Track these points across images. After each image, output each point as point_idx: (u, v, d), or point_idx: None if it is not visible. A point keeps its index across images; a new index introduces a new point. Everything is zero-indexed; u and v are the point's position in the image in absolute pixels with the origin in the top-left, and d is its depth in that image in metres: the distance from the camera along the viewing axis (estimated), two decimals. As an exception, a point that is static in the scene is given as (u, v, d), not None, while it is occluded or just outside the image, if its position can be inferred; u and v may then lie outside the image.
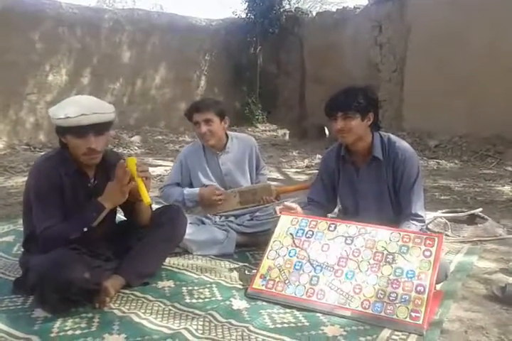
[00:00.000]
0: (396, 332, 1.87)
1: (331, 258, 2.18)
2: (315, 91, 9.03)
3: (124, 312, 2.01)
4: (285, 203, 2.48)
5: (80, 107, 2.01)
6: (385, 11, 7.61)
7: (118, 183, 2.09)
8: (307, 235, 2.29)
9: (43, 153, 2.48)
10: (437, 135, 7.08)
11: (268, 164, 6.02)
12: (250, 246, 2.86)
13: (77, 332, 1.85)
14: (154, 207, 2.50)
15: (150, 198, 2.14)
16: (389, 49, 7.66)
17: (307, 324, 1.93)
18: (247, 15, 9.94)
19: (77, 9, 7.84)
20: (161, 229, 2.33)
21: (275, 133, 9.74)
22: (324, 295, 2.06)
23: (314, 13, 10.11)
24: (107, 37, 8.26)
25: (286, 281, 2.16)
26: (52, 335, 1.83)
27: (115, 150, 6.39)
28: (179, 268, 2.53)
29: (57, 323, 1.91)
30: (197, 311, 2.03)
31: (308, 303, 2.06)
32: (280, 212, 2.43)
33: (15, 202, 3.89)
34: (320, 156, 6.49)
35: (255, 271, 2.28)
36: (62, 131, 2.06)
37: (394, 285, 2.02)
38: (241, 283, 2.34)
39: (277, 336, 1.83)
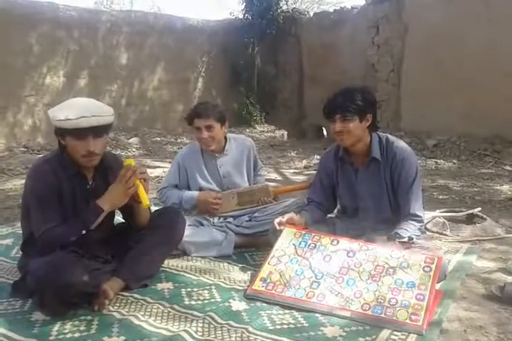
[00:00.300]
0: (395, 333, 1.87)
1: (333, 268, 2.18)
2: (313, 91, 9.03)
3: (123, 315, 2.01)
4: (284, 217, 2.45)
5: (80, 109, 2.01)
6: (382, 11, 7.61)
7: (123, 185, 2.09)
8: (310, 247, 2.30)
9: (41, 156, 2.48)
10: (435, 135, 7.09)
11: (266, 165, 6.04)
12: (249, 247, 2.86)
13: (76, 334, 1.85)
14: (153, 208, 2.49)
15: (149, 200, 2.14)
16: (386, 49, 7.66)
17: (306, 325, 1.93)
18: (244, 16, 9.94)
19: (75, 11, 7.82)
20: (160, 231, 2.33)
21: (273, 134, 9.73)
22: (324, 298, 2.07)
23: (312, 14, 10.10)
24: (105, 38, 8.24)
25: (287, 284, 2.16)
26: (51, 338, 1.83)
27: (113, 152, 6.38)
28: (178, 270, 2.53)
29: (56, 326, 1.91)
30: (196, 313, 2.03)
31: (307, 304, 2.05)
32: (280, 225, 2.41)
33: (13, 205, 3.89)
34: (318, 157, 6.49)
35: (255, 271, 2.28)
36: (62, 132, 2.06)
37: (394, 293, 2.03)
38: (240, 284, 2.34)
39: (277, 337, 1.83)
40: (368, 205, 2.55)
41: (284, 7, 10.16)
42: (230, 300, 2.14)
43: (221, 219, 2.95)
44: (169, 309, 2.07)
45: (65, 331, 1.87)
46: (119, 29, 8.42)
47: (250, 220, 2.94)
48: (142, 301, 2.14)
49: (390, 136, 2.54)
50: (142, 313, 2.02)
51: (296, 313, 2.03)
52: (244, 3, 9.95)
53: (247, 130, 9.58)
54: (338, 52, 8.50)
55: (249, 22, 9.76)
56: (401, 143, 2.50)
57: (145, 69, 8.87)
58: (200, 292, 2.25)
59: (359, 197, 2.57)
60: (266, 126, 10.13)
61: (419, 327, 1.87)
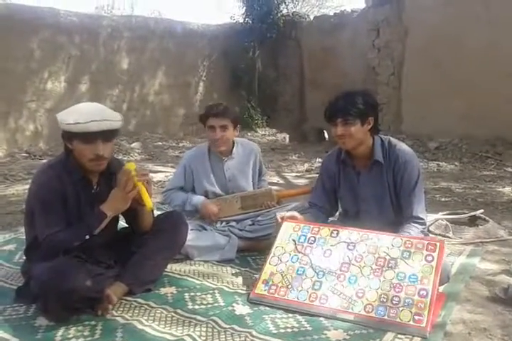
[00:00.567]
0: (399, 335, 1.86)
1: (334, 264, 2.18)
2: (314, 94, 9.05)
3: (126, 320, 2.00)
4: (287, 213, 2.46)
5: (90, 114, 2.02)
6: (382, 14, 7.63)
7: (122, 190, 2.10)
8: (309, 241, 2.29)
9: (45, 161, 2.49)
10: (437, 137, 7.09)
11: (268, 168, 6.03)
12: (252, 251, 2.86)
13: (80, 340, 1.85)
14: (155, 213, 2.50)
15: (152, 203, 2.15)
16: (387, 52, 7.68)
17: (310, 328, 1.93)
18: (244, 20, 9.97)
19: (76, 16, 7.86)
20: (163, 235, 2.33)
21: (275, 138, 9.74)
22: (327, 300, 2.06)
23: (312, 18, 10.13)
24: (106, 44, 8.28)
25: (289, 286, 2.15)
26: (55, 343, 1.83)
27: (115, 157, 6.38)
28: (181, 275, 2.53)
29: (60, 331, 1.91)
30: (199, 317, 2.02)
31: (311, 308, 2.05)
32: (281, 219, 2.42)
33: (16, 211, 3.89)
34: (320, 160, 6.49)
35: (257, 276, 2.28)
36: (70, 136, 2.06)
37: (397, 289, 2.01)
38: (243, 288, 2.34)
39: (280, 341, 1.83)
40: (370, 208, 2.55)
41: (285, 11, 10.20)
42: (234, 304, 2.14)
43: (224, 223, 2.96)
44: (173, 313, 2.06)
45: (69, 336, 1.87)
46: (120, 34, 8.46)
47: (253, 224, 2.94)
48: (146, 306, 2.13)
49: (392, 138, 2.54)
50: (146, 318, 2.02)
51: (299, 317, 2.03)
52: (245, 8, 9.99)
53: (249, 134, 9.60)
54: (338, 56, 8.52)
55: (249, 26, 9.80)
56: (403, 146, 2.50)
57: (146, 73, 8.91)
58: (204, 296, 2.25)
59: (361, 200, 2.57)
60: (267, 129, 10.14)
61: (422, 329, 1.86)
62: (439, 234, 3.20)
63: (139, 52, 8.75)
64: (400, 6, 7.43)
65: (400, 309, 1.95)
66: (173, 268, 2.58)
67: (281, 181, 5.55)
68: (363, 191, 2.54)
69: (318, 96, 8.07)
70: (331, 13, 9.79)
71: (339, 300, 2.05)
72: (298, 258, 2.25)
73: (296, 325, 1.96)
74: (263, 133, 9.93)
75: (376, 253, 2.16)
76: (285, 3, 10.24)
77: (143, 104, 8.94)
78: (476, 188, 4.88)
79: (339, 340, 1.84)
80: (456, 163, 6.37)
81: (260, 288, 2.19)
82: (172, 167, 6.36)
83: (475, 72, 6.54)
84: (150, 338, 1.86)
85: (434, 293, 1.97)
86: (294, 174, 6.10)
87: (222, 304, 2.16)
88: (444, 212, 3.58)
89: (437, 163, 6.44)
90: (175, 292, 2.30)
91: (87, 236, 2.08)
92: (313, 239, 2.30)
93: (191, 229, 2.62)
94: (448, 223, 3.28)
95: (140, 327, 1.94)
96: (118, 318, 2.02)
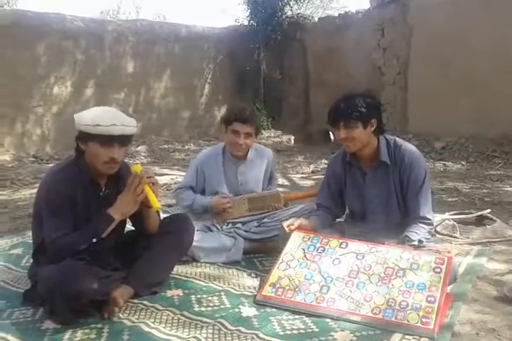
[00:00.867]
0: (407, 336, 1.86)
1: (342, 271, 2.17)
2: (319, 96, 9.03)
3: (133, 322, 2.01)
4: (295, 223, 2.44)
5: (110, 118, 2.05)
6: (387, 14, 7.62)
7: (131, 193, 2.11)
8: (318, 250, 2.29)
9: (53, 164, 2.50)
10: (443, 137, 7.07)
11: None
12: (258, 252, 2.85)
13: (87, 342, 1.86)
14: (162, 216, 2.50)
15: (159, 203, 2.16)
16: (392, 52, 7.66)
17: (317, 330, 1.93)
18: (249, 22, 9.98)
19: (82, 21, 7.90)
20: (169, 237, 2.34)
21: (280, 139, 9.73)
22: (334, 302, 2.05)
23: (316, 19, 10.13)
24: (111, 48, 8.30)
25: (296, 289, 2.15)
26: (62, 346, 1.83)
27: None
28: (187, 277, 2.53)
29: (67, 334, 1.91)
30: (206, 319, 2.02)
31: (317, 309, 2.04)
32: (289, 229, 2.41)
33: (23, 215, 3.91)
34: (326, 161, 6.49)
35: (264, 277, 2.28)
36: (87, 137, 2.07)
37: (405, 295, 2.02)
38: (250, 290, 2.34)
39: (287, 343, 1.82)
40: (377, 209, 2.54)
41: (289, 13, 10.20)
42: (240, 306, 2.13)
43: (230, 224, 2.96)
44: (179, 316, 2.07)
45: (76, 339, 1.88)
46: (126, 38, 8.49)
47: (259, 226, 2.94)
48: (152, 308, 2.14)
49: (397, 138, 2.53)
50: (152, 320, 2.02)
51: (306, 318, 2.02)
52: (249, 10, 10.00)
53: (254, 136, 9.58)
54: (343, 57, 8.50)
55: (254, 28, 9.80)
56: (409, 146, 2.49)
57: (151, 77, 8.93)
58: (210, 298, 2.25)
59: (367, 201, 2.56)
60: (272, 131, 10.13)
61: (430, 331, 1.85)
62: (447, 235, 3.18)
63: (145, 56, 8.77)
64: (405, 6, 7.42)
65: (408, 312, 1.95)
66: (179, 270, 2.58)
67: (286, 183, 5.54)
68: (369, 192, 2.53)
69: (323, 98, 8.07)
70: (336, 14, 9.77)
71: (346, 302, 2.04)
72: (307, 265, 2.25)
73: (303, 327, 1.95)
74: (268, 134, 9.93)
75: (385, 263, 2.16)
76: (289, 5, 10.24)
77: (149, 107, 8.96)
78: (483, 188, 4.86)
79: (346, 341, 1.83)
80: (462, 163, 6.34)
81: (267, 290, 2.18)
82: (178, 170, 6.37)
83: (481, 71, 6.52)
84: (156, 340, 1.86)
85: (441, 300, 1.96)
86: (299, 175, 6.10)
87: (229, 306, 2.16)
88: (451, 212, 3.56)
89: (444, 162, 6.41)
90: (181, 294, 2.30)
91: (95, 240, 2.08)
92: (322, 248, 2.30)
93: (197, 230, 2.62)
94: (455, 223, 3.26)
95: (146, 329, 1.95)
96: (124, 321, 2.02)
